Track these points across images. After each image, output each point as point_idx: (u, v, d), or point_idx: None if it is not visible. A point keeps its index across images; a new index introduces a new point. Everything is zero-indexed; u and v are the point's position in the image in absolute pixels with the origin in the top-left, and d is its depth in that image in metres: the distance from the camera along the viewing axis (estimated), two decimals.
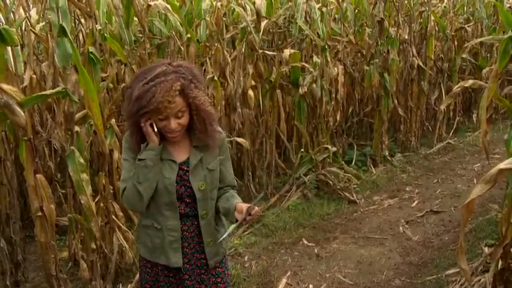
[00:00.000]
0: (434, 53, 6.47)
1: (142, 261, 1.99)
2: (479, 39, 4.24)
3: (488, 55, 7.11)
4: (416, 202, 4.67)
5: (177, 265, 1.86)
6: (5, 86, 2.30)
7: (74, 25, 3.74)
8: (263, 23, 4.51)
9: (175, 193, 1.81)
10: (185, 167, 1.84)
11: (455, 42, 6.82)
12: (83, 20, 3.57)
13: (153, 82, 1.64)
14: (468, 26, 6.98)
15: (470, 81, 3.08)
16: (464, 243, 2.27)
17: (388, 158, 5.71)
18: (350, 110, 5.95)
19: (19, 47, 3.28)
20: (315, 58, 4.89)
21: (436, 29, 6.49)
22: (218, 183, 1.91)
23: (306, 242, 3.86)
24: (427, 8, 6.16)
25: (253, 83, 4.48)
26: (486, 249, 3.25)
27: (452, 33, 6.74)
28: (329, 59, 4.89)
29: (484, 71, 4.93)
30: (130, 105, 1.71)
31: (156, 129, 1.75)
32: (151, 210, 1.85)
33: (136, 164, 1.77)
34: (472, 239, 3.67)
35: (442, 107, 4.01)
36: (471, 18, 7.23)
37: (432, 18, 6.14)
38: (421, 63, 6.07)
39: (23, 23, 3.68)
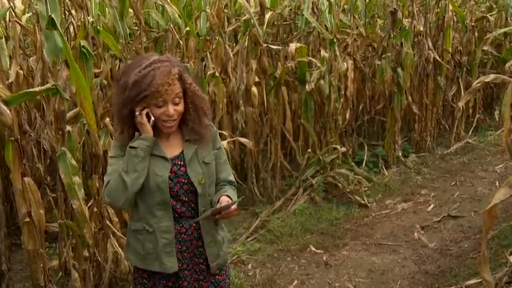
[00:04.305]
0: (452, 45, 6.43)
1: (136, 272, 1.97)
2: (503, 30, 4.21)
3: None
4: (432, 206, 4.64)
5: (173, 270, 1.86)
6: None
7: (64, 17, 3.74)
8: (267, 15, 4.51)
9: (170, 191, 1.82)
10: (179, 161, 1.85)
11: (476, 34, 6.76)
12: (73, 11, 3.57)
13: (150, 67, 1.72)
14: (491, 15, 6.90)
15: (492, 76, 3.04)
16: (486, 251, 2.25)
17: (402, 159, 5.68)
18: (360, 108, 5.94)
19: (3, 40, 3.28)
20: (322, 52, 4.88)
21: (455, 19, 6.45)
22: (215, 178, 1.94)
23: (313, 248, 3.85)
24: None
25: (257, 79, 4.48)
26: (511, 259, 3.22)
27: (473, 24, 6.67)
28: (338, 54, 4.87)
29: (508, 64, 4.89)
30: (126, 92, 1.74)
31: (153, 119, 1.78)
32: (142, 212, 1.85)
33: (127, 151, 1.78)
34: (495, 246, 3.64)
35: (461, 104, 3.97)
36: (494, 6, 7.16)
37: (450, 7, 6.09)
38: (437, 57, 6.03)
39: (7, 13, 3.68)
